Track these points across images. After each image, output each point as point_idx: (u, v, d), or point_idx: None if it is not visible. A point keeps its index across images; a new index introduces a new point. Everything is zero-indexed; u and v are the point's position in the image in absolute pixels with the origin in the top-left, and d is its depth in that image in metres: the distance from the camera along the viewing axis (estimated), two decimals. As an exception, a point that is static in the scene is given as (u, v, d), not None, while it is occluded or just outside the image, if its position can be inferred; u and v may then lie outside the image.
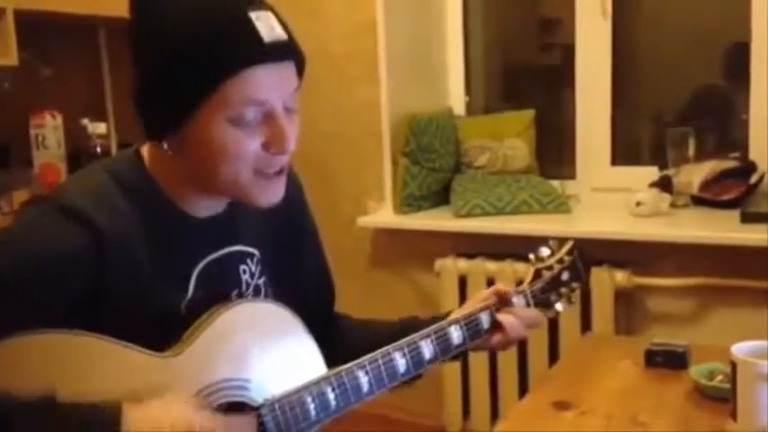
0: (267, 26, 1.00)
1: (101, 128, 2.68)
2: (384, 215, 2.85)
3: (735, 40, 2.64)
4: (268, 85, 1.00)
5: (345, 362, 1.13)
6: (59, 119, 2.60)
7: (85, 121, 2.66)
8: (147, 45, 1.02)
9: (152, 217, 1.04)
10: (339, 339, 1.26)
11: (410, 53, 2.88)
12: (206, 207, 1.11)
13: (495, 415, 2.64)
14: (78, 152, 2.64)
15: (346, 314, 1.38)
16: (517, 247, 2.57)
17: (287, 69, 1.03)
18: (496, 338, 1.30)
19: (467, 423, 2.73)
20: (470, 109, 3.09)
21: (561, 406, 1.35)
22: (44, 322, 0.93)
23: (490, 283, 2.58)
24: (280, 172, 1.07)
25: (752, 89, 2.55)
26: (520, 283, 1.39)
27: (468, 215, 2.64)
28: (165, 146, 1.04)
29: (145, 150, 1.10)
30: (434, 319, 1.33)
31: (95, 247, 0.98)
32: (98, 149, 2.63)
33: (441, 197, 2.85)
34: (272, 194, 1.07)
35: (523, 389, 2.53)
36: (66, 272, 0.97)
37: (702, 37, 2.77)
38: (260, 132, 1.02)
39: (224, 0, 1.01)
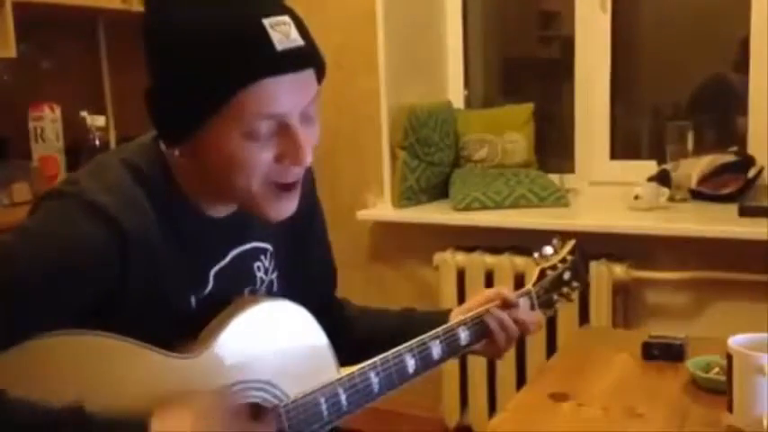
0: (282, 33, 0.95)
1: (99, 120, 2.67)
2: (383, 209, 2.84)
3: (736, 34, 2.64)
4: (283, 96, 0.96)
5: (345, 348, 1.13)
6: (58, 111, 2.60)
7: (84, 114, 2.66)
8: (157, 52, 0.97)
9: (171, 215, 1.02)
10: (339, 326, 1.25)
11: (409, 46, 2.88)
12: (221, 207, 1.09)
13: (492, 407, 2.65)
14: (77, 145, 2.64)
15: (345, 299, 1.38)
16: (516, 241, 2.58)
17: (305, 78, 0.99)
18: (494, 343, 1.30)
19: (464, 415, 2.74)
20: (469, 102, 3.09)
21: (558, 398, 1.35)
22: (64, 322, 0.91)
23: (489, 276, 2.59)
24: (293, 185, 1.03)
25: (751, 83, 2.55)
26: (519, 278, 1.39)
27: (467, 209, 2.65)
28: (177, 152, 1.01)
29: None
30: (433, 314, 1.33)
31: (119, 248, 0.95)
32: (97, 142, 2.63)
33: (439, 191, 2.85)
34: (283, 209, 1.04)
35: (521, 381, 2.54)
36: (91, 272, 0.94)
37: (702, 30, 2.77)
38: (274, 144, 0.98)
39: (238, 5, 0.95)
